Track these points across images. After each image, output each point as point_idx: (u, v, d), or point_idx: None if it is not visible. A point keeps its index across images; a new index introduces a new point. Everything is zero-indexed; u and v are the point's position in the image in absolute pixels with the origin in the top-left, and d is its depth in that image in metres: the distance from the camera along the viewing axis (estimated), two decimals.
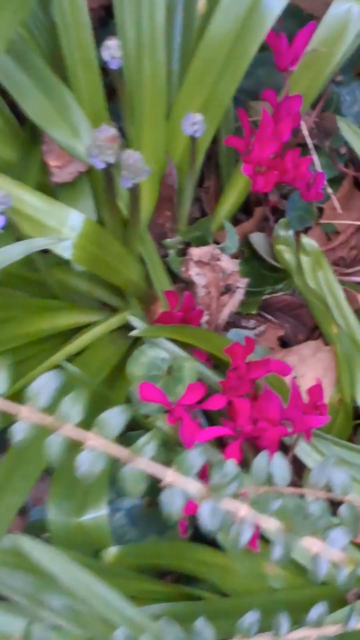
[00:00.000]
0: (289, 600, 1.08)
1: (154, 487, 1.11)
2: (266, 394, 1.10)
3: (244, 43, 1.22)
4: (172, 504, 0.60)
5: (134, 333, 1.14)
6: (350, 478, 0.97)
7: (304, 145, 1.35)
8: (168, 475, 0.60)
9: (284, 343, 1.31)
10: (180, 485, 0.59)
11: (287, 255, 1.22)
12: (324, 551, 0.62)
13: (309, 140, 1.31)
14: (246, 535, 0.58)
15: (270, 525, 0.59)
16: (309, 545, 0.63)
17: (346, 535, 0.66)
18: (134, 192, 1.09)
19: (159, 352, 1.15)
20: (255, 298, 1.29)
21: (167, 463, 1.09)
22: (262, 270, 1.32)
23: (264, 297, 1.30)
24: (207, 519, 0.59)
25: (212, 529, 0.59)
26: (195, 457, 0.61)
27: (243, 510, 0.59)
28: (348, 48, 1.28)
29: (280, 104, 1.21)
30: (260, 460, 0.75)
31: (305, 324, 1.31)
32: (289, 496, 0.65)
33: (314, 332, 1.31)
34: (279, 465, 0.74)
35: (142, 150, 1.17)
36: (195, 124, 1.10)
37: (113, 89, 1.22)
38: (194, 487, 0.60)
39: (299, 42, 1.21)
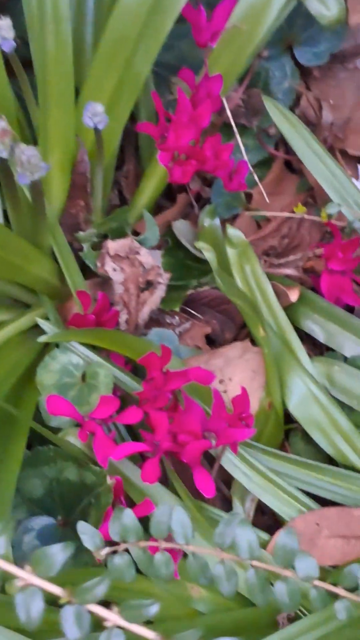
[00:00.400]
0: (216, 624, 1.02)
1: (70, 504, 1.04)
2: (187, 405, 1.03)
3: (158, 17, 1.14)
4: (30, 608, 0.51)
5: (41, 339, 1.07)
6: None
7: (230, 126, 1.26)
8: (22, 575, 0.51)
9: (211, 340, 1.24)
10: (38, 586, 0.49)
11: (208, 253, 1.13)
12: None
13: (232, 123, 1.22)
14: None
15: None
16: None
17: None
18: (35, 188, 1.00)
19: (72, 357, 1.08)
20: (179, 293, 1.21)
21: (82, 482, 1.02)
22: (187, 261, 1.25)
23: (190, 291, 1.22)
24: (70, 627, 0.50)
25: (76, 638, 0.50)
26: (55, 553, 0.52)
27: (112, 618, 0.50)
28: (273, 22, 1.21)
29: (199, 85, 1.14)
30: (160, 514, 0.67)
31: (233, 320, 1.24)
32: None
33: (244, 328, 1.24)
34: (180, 521, 0.66)
35: (49, 136, 1.09)
36: (96, 115, 1.01)
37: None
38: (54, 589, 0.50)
39: (218, 17, 1.13)
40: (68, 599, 0.50)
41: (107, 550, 0.71)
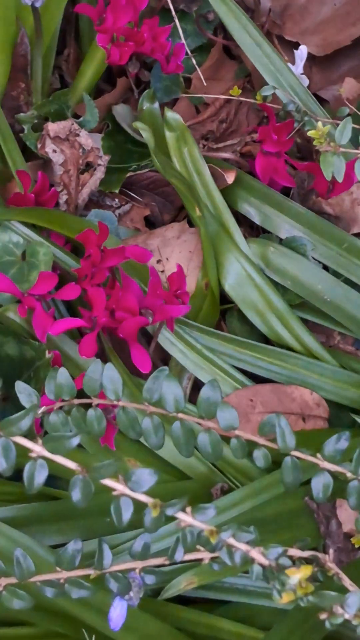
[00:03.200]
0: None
1: (10, 379, 1.07)
2: (124, 283, 1.05)
3: None
4: None
5: None
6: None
7: (169, 10, 1.26)
8: None
9: (150, 222, 1.26)
10: None
11: (146, 133, 1.14)
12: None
13: (171, 7, 1.22)
14: (41, 476, 0.53)
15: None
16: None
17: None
18: None
19: (12, 236, 1.10)
20: (118, 175, 1.22)
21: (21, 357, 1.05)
22: (127, 144, 1.26)
23: (129, 174, 1.23)
24: None
25: (3, 469, 0.54)
26: None
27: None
28: None
29: None
30: (92, 371, 0.71)
31: (172, 203, 1.25)
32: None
33: (182, 211, 1.26)
34: (111, 377, 0.70)
35: None
36: None
37: None
38: None
39: None
40: None
41: (44, 408, 0.75)
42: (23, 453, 0.57)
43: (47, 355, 1.03)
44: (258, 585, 1.01)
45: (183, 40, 1.27)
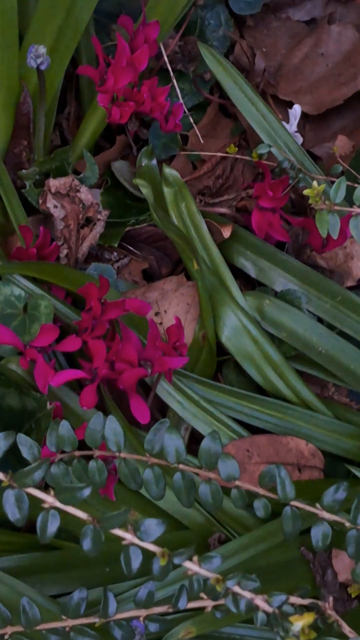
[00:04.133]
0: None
1: (11, 430, 1.08)
2: (124, 335, 1.08)
3: None
4: None
5: None
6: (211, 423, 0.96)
7: (167, 71, 1.30)
8: None
9: (149, 275, 1.28)
10: None
11: (145, 190, 1.17)
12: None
13: (169, 68, 1.26)
14: (53, 526, 0.55)
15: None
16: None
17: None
18: None
19: (15, 289, 1.12)
20: (118, 229, 1.25)
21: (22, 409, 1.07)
22: (125, 200, 1.28)
23: (128, 228, 1.26)
24: (11, 508, 0.56)
25: (16, 519, 0.56)
26: None
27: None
28: None
29: (137, 31, 1.17)
30: (94, 423, 0.73)
31: (169, 256, 1.28)
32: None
33: (179, 264, 1.28)
34: (113, 429, 0.72)
35: None
36: (39, 56, 1.05)
37: None
38: None
39: None
40: (8, 483, 0.56)
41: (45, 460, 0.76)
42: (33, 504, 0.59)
43: (49, 406, 1.05)
44: (256, 635, 1.01)
45: (181, 100, 1.31)
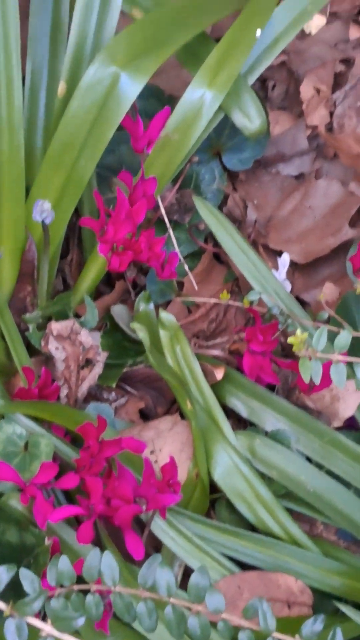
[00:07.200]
0: None
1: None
2: (120, 472, 1.11)
3: (101, 127, 1.24)
4: None
5: None
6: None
7: (164, 221, 1.37)
8: None
9: (145, 414, 1.32)
10: None
11: (142, 333, 1.23)
12: None
13: (166, 219, 1.33)
14: None
15: None
16: None
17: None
18: None
19: (16, 428, 1.15)
20: (116, 370, 1.29)
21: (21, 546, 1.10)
22: (123, 342, 1.33)
23: (125, 369, 1.30)
24: (12, 637, 0.60)
25: None
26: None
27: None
28: (202, 132, 1.30)
29: (136, 185, 1.24)
30: (91, 558, 0.77)
31: (165, 396, 1.32)
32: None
33: (174, 404, 1.32)
34: (109, 564, 0.76)
35: (2, 229, 1.18)
36: (44, 211, 1.12)
37: None
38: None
39: (153, 127, 1.24)
40: (10, 613, 0.60)
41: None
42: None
43: (47, 541, 1.08)
44: None
45: (177, 248, 1.36)
